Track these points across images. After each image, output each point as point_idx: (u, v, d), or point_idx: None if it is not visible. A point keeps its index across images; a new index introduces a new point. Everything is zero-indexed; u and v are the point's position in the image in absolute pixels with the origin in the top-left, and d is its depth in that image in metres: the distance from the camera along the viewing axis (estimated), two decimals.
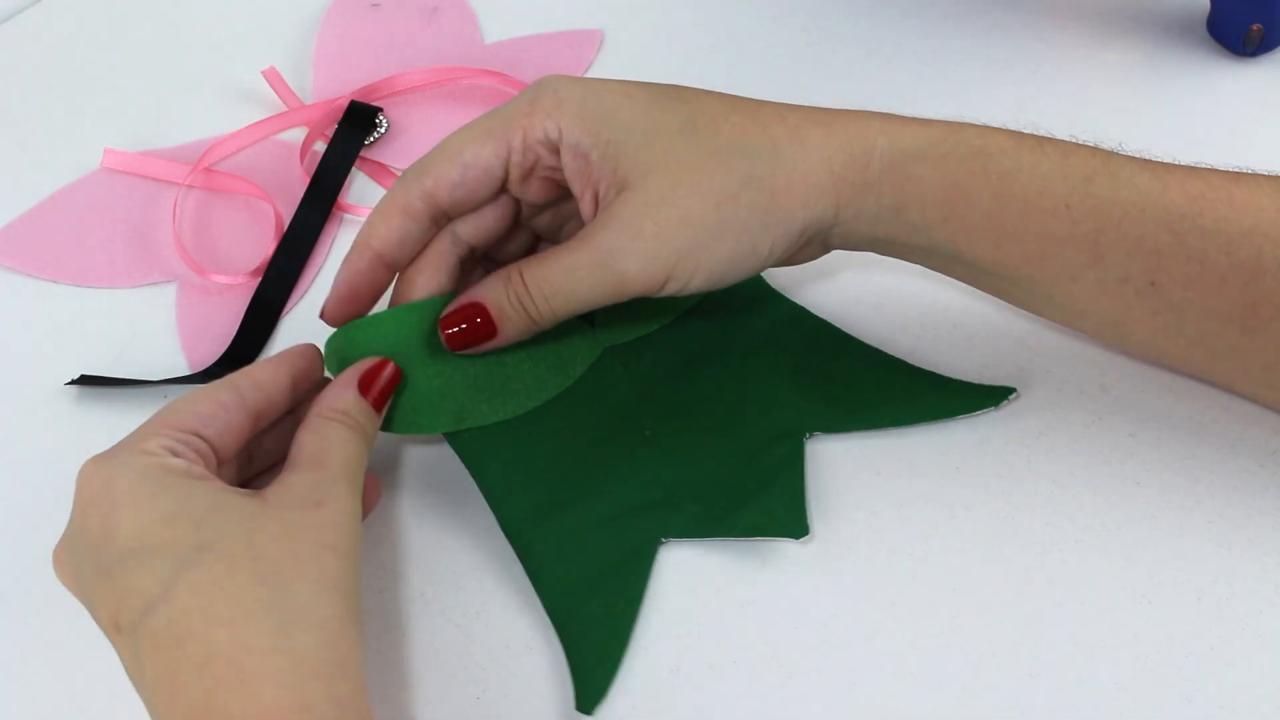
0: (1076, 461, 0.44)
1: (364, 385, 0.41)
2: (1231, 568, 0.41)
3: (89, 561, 0.36)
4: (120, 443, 0.38)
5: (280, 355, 0.41)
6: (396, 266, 0.43)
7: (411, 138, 0.58)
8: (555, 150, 0.41)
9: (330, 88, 0.60)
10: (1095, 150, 0.40)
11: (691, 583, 0.42)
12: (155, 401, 0.49)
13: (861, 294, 0.49)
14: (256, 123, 0.58)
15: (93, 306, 0.53)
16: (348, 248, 0.55)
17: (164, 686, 0.33)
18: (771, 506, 0.43)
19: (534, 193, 0.43)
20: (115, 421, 0.49)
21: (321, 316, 0.43)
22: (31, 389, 0.50)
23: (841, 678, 0.40)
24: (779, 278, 0.49)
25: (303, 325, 0.52)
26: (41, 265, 0.55)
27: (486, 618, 0.42)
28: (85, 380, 0.50)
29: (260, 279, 0.53)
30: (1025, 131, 0.41)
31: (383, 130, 0.58)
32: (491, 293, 0.41)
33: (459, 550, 0.44)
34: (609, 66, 0.60)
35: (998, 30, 0.59)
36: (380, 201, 0.43)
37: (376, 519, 0.45)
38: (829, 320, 0.48)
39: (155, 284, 0.54)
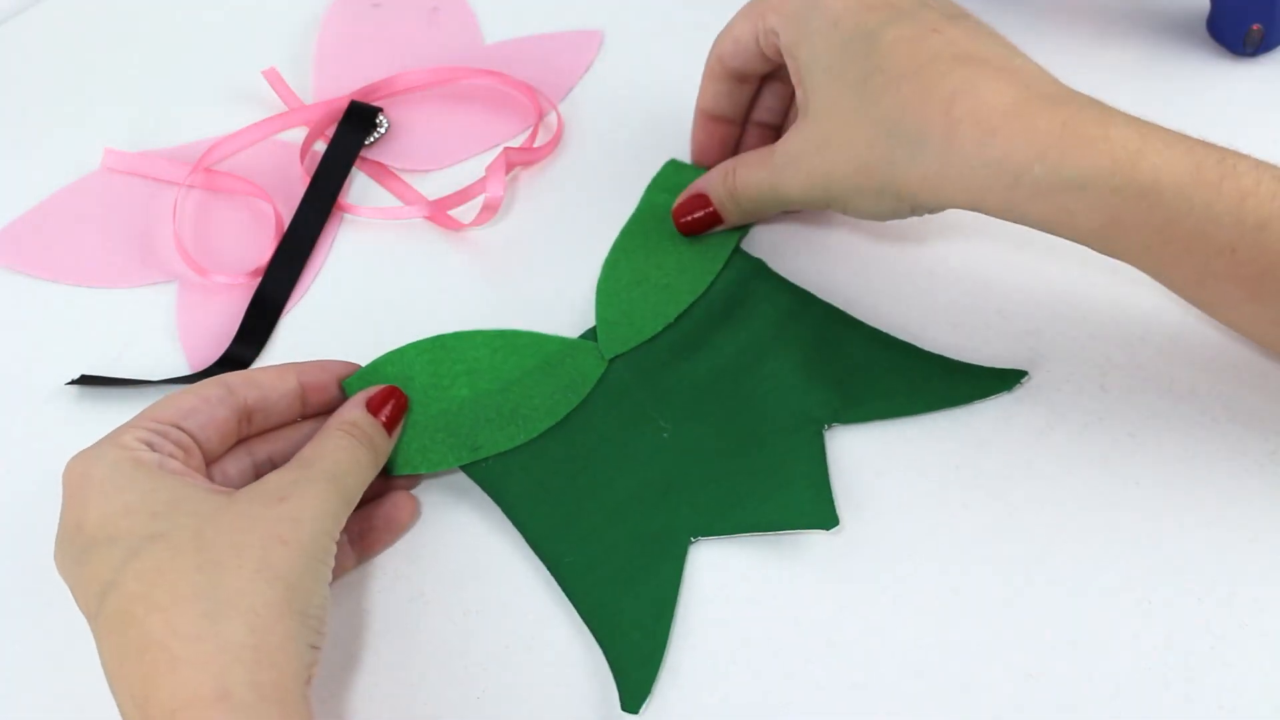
0: (1076, 461, 0.44)
1: (373, 405, 0.42)
2: (1231, 568, 0.41)
3: (68, 551, 0.37)
4: (104, 437, 0.39)
5: (288, 364, 0.43)
6: (730, 119, 0.50)
7: (411, 138, 0.58)
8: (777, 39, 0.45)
9: (330, 88, 0.60)
10: (1278, 190, 0.37)
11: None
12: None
13: (861, 294, 0.49)
14: (256, 123, 0.58)
15: (93, 306, 0.53)
16: (348, 248, 0.55)
17: (115, 670, 0.35)
18: (798, 499, 0.43)
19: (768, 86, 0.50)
20: (115, 421, 0.48)
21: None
22: (31, 389, 0.50)
23: (842, 676, 0.40)
24: (784, 264, 0.49)
25: (303, 325, 0.52)
26: (41, 265, 0.55)
27: (486, 616, 0.42)
28: (85, 380, 0.50)
29: (260, 279, 0.53)
30: (1212, 150, 0.37)
31: (383, 130, 0.58)
32: (712, 185, 0.48)
33: (458, 549, 0.44)
34: (609, 66, 0.60)
35: (998, 30, 0.59)
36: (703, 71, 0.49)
37: None
38: (835, 306, 0.48)
39: (155, 284, 0.54)
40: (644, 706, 0.39)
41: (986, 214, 0.40)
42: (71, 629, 0.43)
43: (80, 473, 0.38)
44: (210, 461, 0.41)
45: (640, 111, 0.58)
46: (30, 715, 0.42)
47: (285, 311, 0.52)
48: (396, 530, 0.44)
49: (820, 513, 0.42)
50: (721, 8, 0.63)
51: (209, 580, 0.35)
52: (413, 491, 0.45)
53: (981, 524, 0.43)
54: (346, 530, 0.42)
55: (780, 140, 0.45)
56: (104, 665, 0.36)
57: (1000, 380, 0.45)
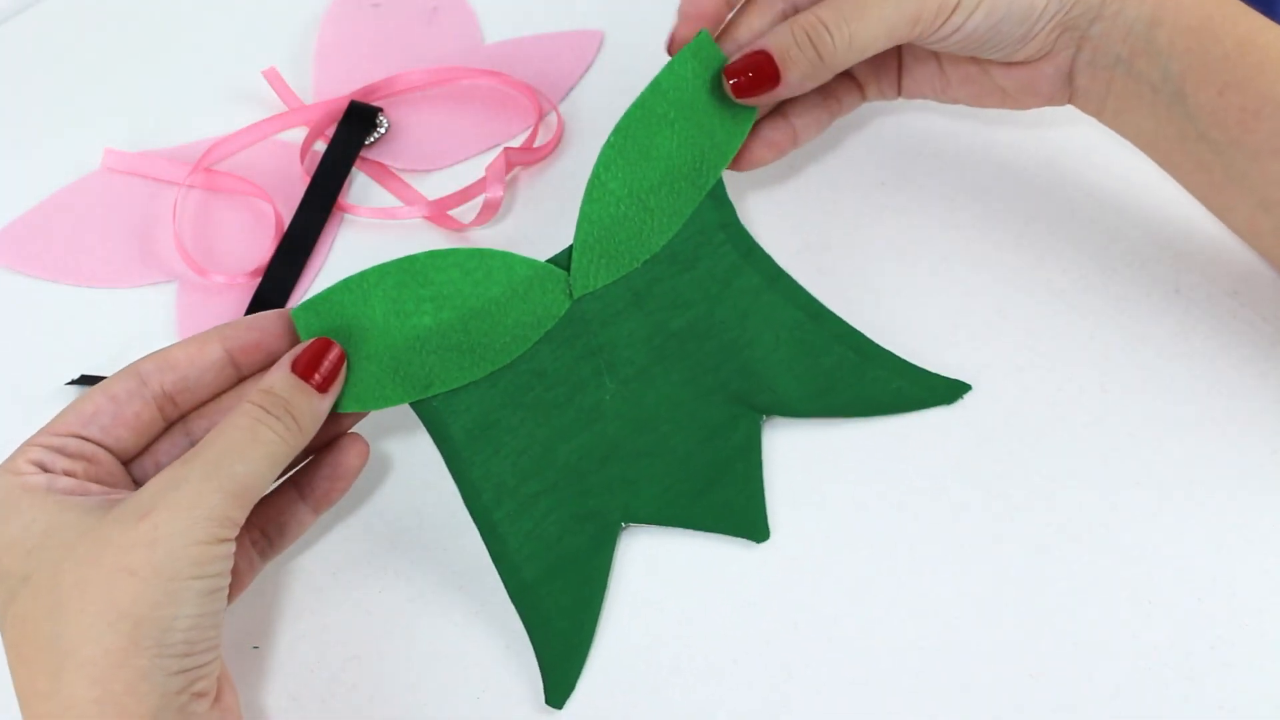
0: (1076, 462, 0.44)
1: (299, 367, 0.38)
2: (1231, 568, 0.41)
3: None
4: (2, 461, 0.37)
5: (212, 330, 0.39)
6: None
7: (411, 138, 0.58)
8: None
9: (330, 88, 0.60)
10: None
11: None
12: None
13: (861, 293, 0.49)
14: (256, 123, 0.58)
15: (93, 306, 0.53)
16: (348, 248, 0.55)
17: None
18: (730, 500, 0.43)
19: None
20: None
21: (670, 41, 0.45)
22: (31, 389, 0.50)
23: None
24: (778, 251, 0.49)
25: None
26: (41, 265, 0.55)
27: (486, 618, 0.42)
28: (85, 380, 0.50)
29: (260, 279, 0.53)
30: None
31: (383, 130, 0.58)
32: (776, 37, 0.43)
33: (459, 550, 0.44)
34: (609, 66, 0.60)
35: None
36: None
37: (377, 518, 0.45)
38: (831, 304, 0.48)
39: (155, 284, 0.54)
40: (568, 702, 0.40)
41: (1111, 8, 0.42)
42: None
43: None
44: (129, 459, 0.38)
45: None
46: None
47: None
48: (347, 477, 0.41)
49: (753, 524, 0.43)
50: None
51: (55, 630, 0.33)
52: (411, 491, 0.45)
53: (981, 524, 0.43)
54: (297, 485, 0.40)
55: None
56: None
57: (944, 392, 0.45)
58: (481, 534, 0.42)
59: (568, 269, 0.44)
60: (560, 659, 0.40)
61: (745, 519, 0.43)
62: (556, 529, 0.42)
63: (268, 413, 0.37)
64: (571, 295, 0.44)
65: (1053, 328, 0.47)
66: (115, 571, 0.33)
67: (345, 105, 0.58)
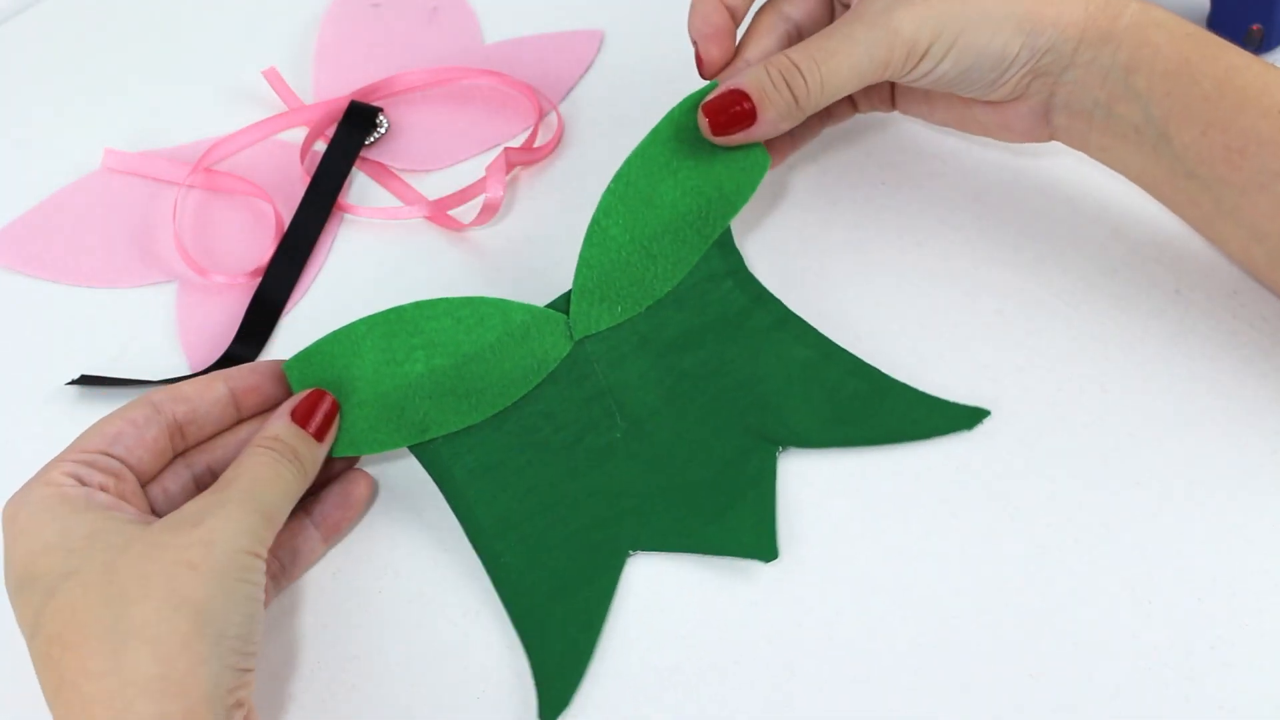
0: (1076, 462, 0.44)
1: (298, 416, 0.41)
2: (1231, 568, 0.41)
3: (7, 592, 0.38)
4: (35, 474, 0.39)
5: (216, 372, 0.42)
6: (737, 12, 0.46)
7: (411, 138, 0.58)
8: None
9: (330, 88, 0.60)
10: None
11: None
12: None
13: (861, 293, 0.49)
14: (256, 123, 0.58)
15: (93, 306, 0.53)
16: (348, 248, 0.55)
17: (51, 709, 0.35)
18: (741, 525, 0.42)
19: None
20: None
21: (700, 67, 0.46)
22: (31, 389, 0.50)
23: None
24: (783, 264, 0.49)
25: (303, 325, 0.52)
26: (41, 265, 0.55)
27: (486, 618, 0.42)
28: (85, 380, 0.50)
29: (260, 279, 0.53)
30: None
31: (383, 130, 0.58)
32: (753, 76, 0.43)
33: (459, 550, 0.44)
34: (609, 66, 0.60)
35: None
36: None
37: (376, 518, 0.45)
38: (829, 317, 0.47)
39: (155, 284, 0.54)
40: (560, 718, 0.39)
41: (1084, 57, 0.42)
42: None
43: (10, 514, 0.38)
44: (146, 481, 0.41)
45: (640, 111, 0.57)
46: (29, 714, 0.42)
47: (285, 311, 0.52)
48: (355, 507, 0.44)
49: (761, 544, 0.42)
50: None
51: (114, 614, 0.35)
52: (411, 490, 0.45)
53: (981, 524, 0.43)
54: (309, 515, 0.43)
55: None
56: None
57: (963, 418, 0.45)
58: (483, 563, 0.42)
59: (566, 312, 0.45)
60: (556, 675, 0.40)
61: (754, 541, 0.42)
62: (562, 559, 0.42)
63: (279, 456, 0.40)
64: (572, 337, 0.45)
65: (1053, 328, 0.47)
66: (176, 565, 0.35)
67: (345, 105, 0.58)
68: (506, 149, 0.54)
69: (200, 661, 0.35)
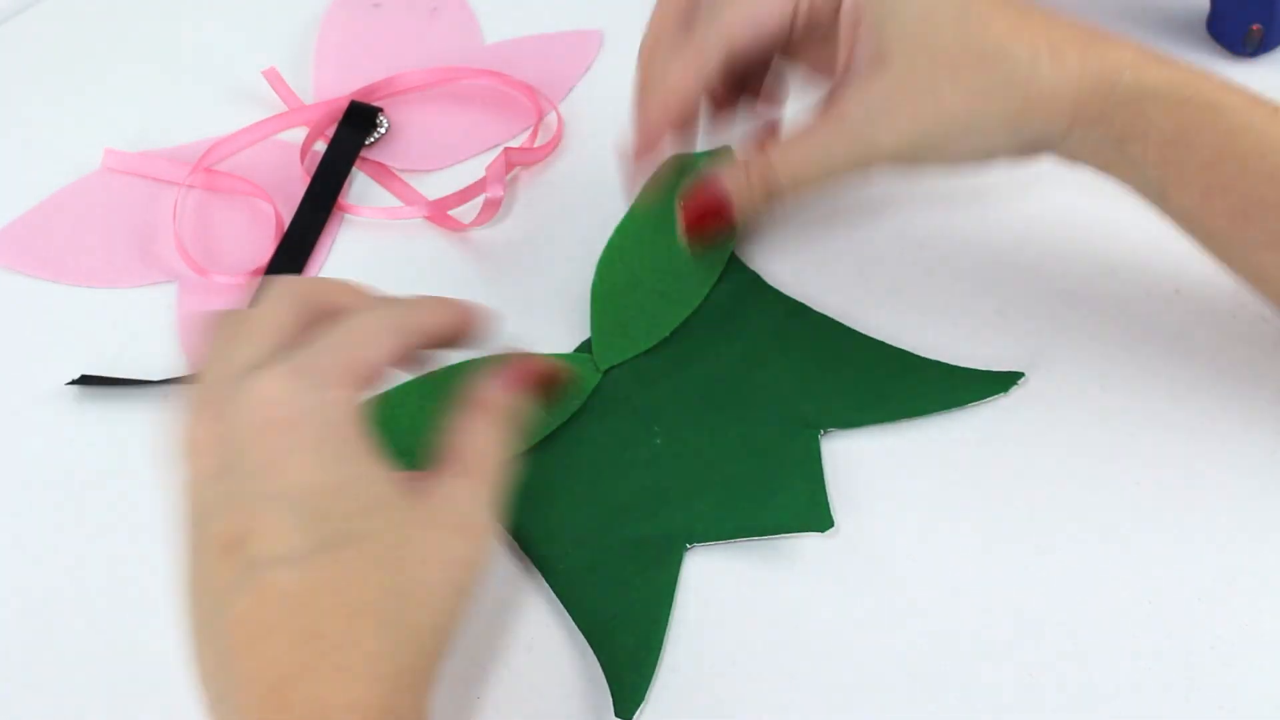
0: (1077, 461, 0.44)
1: (524, 378, 0.40)
2: (1231, 568, 0.41)
3: (234, 479, 0.34)
4: (311, 369, 0.35)
5: (446, 307, 0.39)
6: (688, 115, 0.45)
7: (411, 138, 0.58)
8: (836, 8, 0.42)
9: (330, 88, 0.60)
10: None
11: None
12: (155, 401, 0.49)
13: (861, 294, 0.49)
14: (256, 123, 0.58)
15: (93, 306, 0.53)
16: (348, 248, 0.55)
17: (247, 632, 0.33)
18: (793, 502, 0.43)
19: (805, 51, 0.45)
20: (115, 422, 0.49)
21: (635, 159, 0.46)
22: (31, 389, 0.50)
23: (839, 679, 0.40)
24: (779, 276, 0.49)
25: None
26: (41, 265, 0.55)
27: (487, 618, 0.42)
28: (85, 380, 0.50)
29: (260, 279, 0.53)
30: (1266, 97, 0.41)
31: (383, 130, 0.58)
32: (731, 176, 0.44)
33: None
34: (609, 66, 0.60)
35: None
36: (677, 58, 0.43)
37: None
38: (824, 303, 0.48)
39: (155, 284, 0.54)
40: (638, 713, 0.39)
41: (1076, 135, 0.41)
42: (72, 627, 0.43)
43: (290, 417, 0.34)
44: None
45: None
46: (29, 713, 0.42)
47: None
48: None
49: (815, 515, 0.42)
50: None
51: (402, 605, 0.34)
52: None
53: (981, 524, 0.43)
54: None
55: (848, 99, 0.42)
56: (218, 609, 0.33)
57: (996, 383, 0.45)
58: (545, 578, 0.43)
59: (589, 352, 0.47)
60: (628, 671, 0.40)
61: (809, 514, 0.43)
62: (620, 559, 0.42)
63: (507, 430, 0.38)
64: (599, 369, 0.46)
65: (1053, 327, 0.47)
66: (445, 586, 0.35)
67: (345, 105, 0.58)
68: (506, 149, 0.54)
69: (435, 676, 0.35)
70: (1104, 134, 0.41)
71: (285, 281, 0.38)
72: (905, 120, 0.41)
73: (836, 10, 0.42)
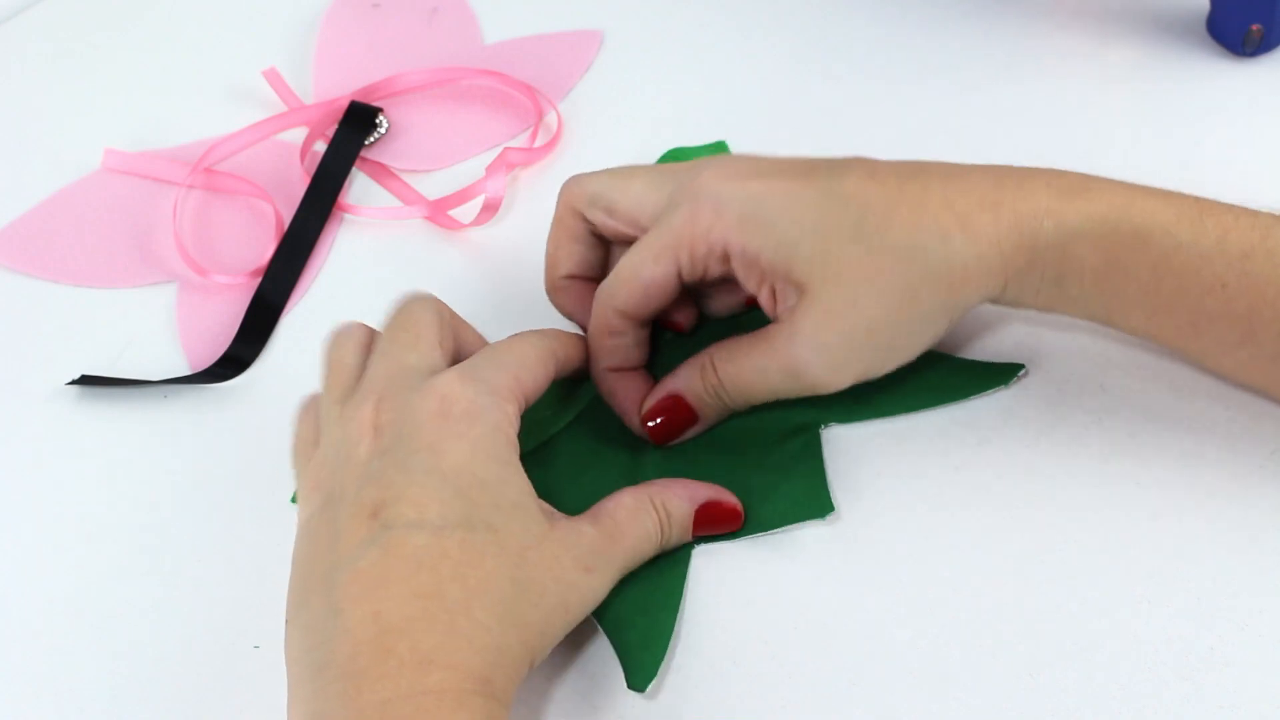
0: (1076, 461, 0.44)
1: (702, 515, 0.42)
2: (1231, 568, 0.41)
3: (397, 455, 0.37)
4: (484, 378, 0.39)
5: (582, 342, 0.44)
6: (619, 335, 0.45)
7: (411, 138, 0.58)
8: (725, 259, 0.42)
9: (330, 88, 0.60)
10: (1255, 222, 0.39)
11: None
12: (155, 401, 0.49)
13: None
14: (256, 123, 0.58)
15: (93, 306, 0.53)
16: (348, 248, 0.55)
17: (368, 581, 0.35)
18: (793, 493, 0.43)
19: (712, 287, 0.46)
20: (115, 421, 0.49)
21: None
22: (31, 389, 0.50)
23: (841, 675, 0.40)
24: None
25: (303, 325, 0.52)
26: (41, 265, 0.55)
27: None
28: (85, 380, 0.50)
29: (260, 279, 0.53)
30: (1188, 197, 0.40)
31: (383, 130, 0.58)
32: (689, 384, 0.44)
33: None
34: (609, 66, 0.60)
35: (998, 30, 0.59)
36: (590, 328, 0.44)
37: None
38: None
39: (155, 284, 0.54)
40: (650, 686, 0.39)
41: (1013, 287, 0.41)
42: (72, 627, 0.43)
43: (467, 411, 0.38)
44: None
45: (640, 111, 0.58)
46: (29, 713, 0.42)
47: (285, 311, 0.52)
48: None
49: (816, 502, 0.42)
50: (721, 8, 0.63)
51: (517, 596, 0.36)
52: None
53: (981, 524, 0.42)
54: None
55: (778, 329, 0.42)
56: (349, 561, 0.36)
57: (997, 375, 0.45)
58: None
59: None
60: (640, 648, 0.40)
61: (809, 502, 0.43)
62: None
63: (659, 536, 0.41)
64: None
65: (1053, 327, 0.47)
66: (557, 607, 0.38)
67: (345, 105, 0.58)
68: (506, 149, 0.54)
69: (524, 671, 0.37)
70: (1039, 278, 0.41)
71: (424, 299, 0.42)
72: (836, 350, 0.41)
73: (727, 260, 0.42)
